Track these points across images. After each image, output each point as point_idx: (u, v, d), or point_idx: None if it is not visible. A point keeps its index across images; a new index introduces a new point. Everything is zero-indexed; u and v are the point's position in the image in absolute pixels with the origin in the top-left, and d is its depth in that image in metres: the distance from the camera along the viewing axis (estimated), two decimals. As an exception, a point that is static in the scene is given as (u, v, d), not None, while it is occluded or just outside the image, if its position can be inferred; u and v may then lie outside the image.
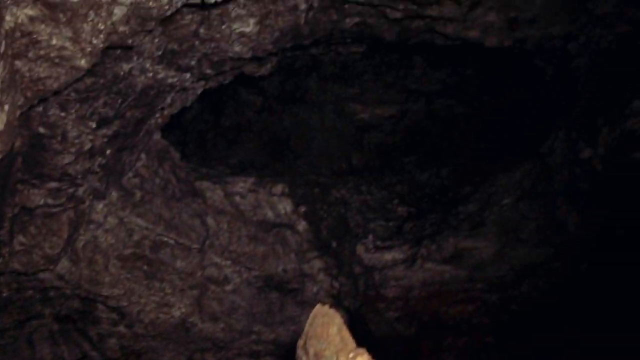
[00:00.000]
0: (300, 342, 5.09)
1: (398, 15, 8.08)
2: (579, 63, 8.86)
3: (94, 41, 5.33)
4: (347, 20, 8.26)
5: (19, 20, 4.87)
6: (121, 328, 9.39)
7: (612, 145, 7.74)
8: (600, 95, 8.40)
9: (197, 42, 7.33)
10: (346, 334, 4.97)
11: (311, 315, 5.17)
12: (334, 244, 10.65)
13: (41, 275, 8.34)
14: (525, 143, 11.48)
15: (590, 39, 8.19)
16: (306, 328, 5.14)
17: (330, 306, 5.16)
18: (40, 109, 6.19)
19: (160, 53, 7.07)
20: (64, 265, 8.40)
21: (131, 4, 5.34)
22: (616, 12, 7.49)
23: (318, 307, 5.16)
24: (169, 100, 8.31)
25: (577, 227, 9.50)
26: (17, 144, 6.46)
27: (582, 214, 9.38)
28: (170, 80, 7.68)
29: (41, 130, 6.40)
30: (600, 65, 8.50)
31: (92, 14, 5.11)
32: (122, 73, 6.63)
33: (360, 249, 10.48)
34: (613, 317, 9.62)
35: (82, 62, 5.38)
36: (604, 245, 9.46)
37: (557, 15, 8.34)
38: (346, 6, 7.98)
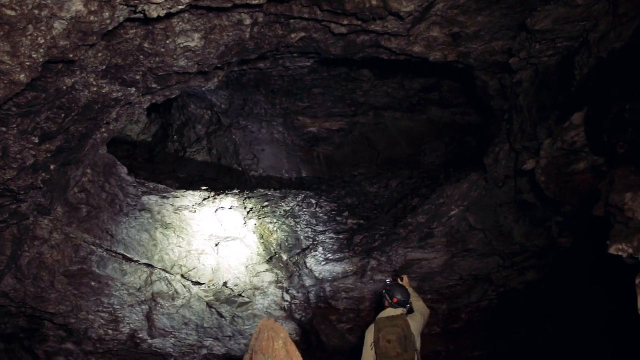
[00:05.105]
0: (247, 357, 5.11)
1: (343, 30, 8.16)
2: (521, 77, 9.06)
3: (34, 55, 5.29)
4: (293, 35, 8.33)
5: (-45, 35, 4.83)
6: (69, 345, 9.27)
7: (554, 156, 7.89)
8: (542, 108, 8.58)
9: (141, 57, 7.31)
10: (292, 347, 5.02)
11: (256, 329, 5.20)
12: (285, 257, 10.68)
13: (-16, 293, 8.20)
14: (471, 155, 11.70)
15: (531, 54, 8.37)
16: (252, 342, 5.17)
17: (277, 320, 5.21)
18: (-21, 124, 6.09)
19: (104, 67, 7.04)
20: (8, 282, 8.25)
21: (72, 18, 5.31)
22: (555, 29, 7.67)
23: (263, 321, 5.20)
24: (114, 114, 8.26)
25: (522, 237, 9.68)
26: (-43, 159, 6.38)
27: (527, 223, 9.56)
28: (115, 95, 7.65)
29: (-19, 145, 6.29)
30: (541, 79, 8.69)
31: (31, 28, 5.08)
32: (64, 87, 6.57)
33: (311, 262, 10.51)
34: (560, 322, 9.87)
35: (22, 77, 5.33)
36: (549, 255, 9.68)
37: (499, 31, 8.52)
38: (292, 21, 8.04)
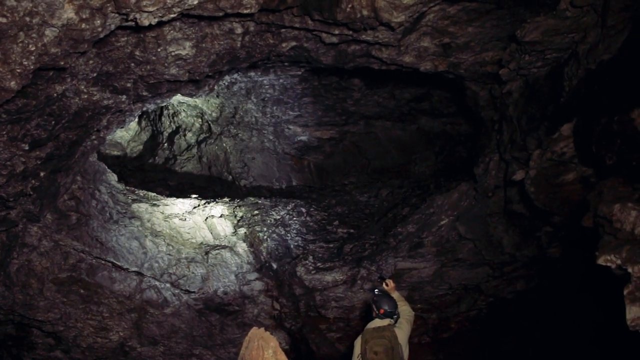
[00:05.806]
0: (237, 366, 5.07)
1: (334, 39, 8.18)
2: (511, 88, 9.09)
3: (25, 62, 5.28)
4: (284, 44, 8.34)
5: (-54, 41, 4.82)
6: (57, 353, 9.20)
7: (543, 167, 7.90)
8: (532, 119, 8.61)
9: (132, 65, 7.31)
10: (281, 356, 5.00)
11: (246, 338, 5.18)
12: (275, 266, 10.66)
13: (-29, 300, 8.14)
14: (461, 165, 11.71)
15: (521, 65, 8.39)
16: (242, 351, 5.14)
17: (266, 329, 5.18)
18: (-31, 130, 6.07)
19: (95, 75, 7.03)
20: (-4, 290, 8.21)
21: (63, 25, 5.30)
22: (545, 40, 7.70)
23: (253, 330, 5.17)
24: (104, 122, 8.24)
25: (512, 247, 9.69)
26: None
27: (517, 234, 9.57)
28: (105, 102, 7.63)
29: (-30, 152, 6.27)
30: (530, 90, 8.72)
31: (22, 35, 5.07)
32: (55, 94, 6.56)
33: (300, 271, 10.49)
34: (550, 332, 9.88)
35: (12, 84, 5.32)
36: (538, 265, 9.70)
37: (489, 42, 8.55)
38: (282, 30, 8.05)
